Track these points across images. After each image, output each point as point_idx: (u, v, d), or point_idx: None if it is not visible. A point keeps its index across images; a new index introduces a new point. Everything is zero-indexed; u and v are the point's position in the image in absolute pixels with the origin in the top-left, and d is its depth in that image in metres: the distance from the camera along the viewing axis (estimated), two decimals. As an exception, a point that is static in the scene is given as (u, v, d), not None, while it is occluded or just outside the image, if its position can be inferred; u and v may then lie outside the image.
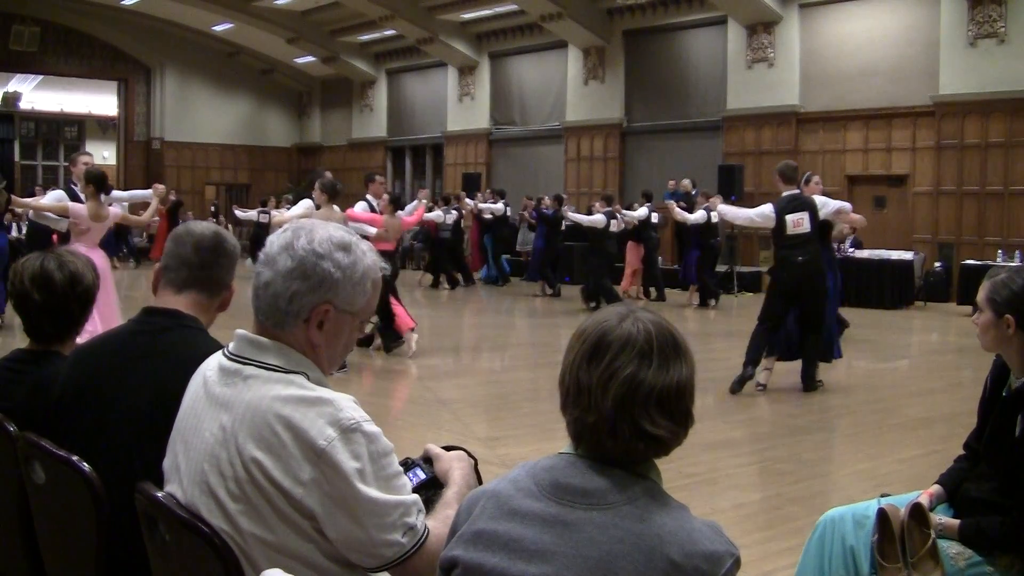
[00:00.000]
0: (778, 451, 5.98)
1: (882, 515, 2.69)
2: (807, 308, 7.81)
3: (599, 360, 1.50)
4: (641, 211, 15.40)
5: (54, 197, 8.17)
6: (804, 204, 7.86)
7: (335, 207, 8.66)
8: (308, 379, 1.75)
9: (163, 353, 2.15)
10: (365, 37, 26.06)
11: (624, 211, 15.17)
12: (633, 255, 15.59)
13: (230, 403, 1.73)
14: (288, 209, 11.18)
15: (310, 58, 27.31)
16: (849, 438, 6.54)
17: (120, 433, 2.09)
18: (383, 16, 23.11)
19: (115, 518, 1.95)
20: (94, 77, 28.53)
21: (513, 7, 21.27)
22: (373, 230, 9.08)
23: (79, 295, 2.51)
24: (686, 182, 17.88)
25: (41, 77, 29.64)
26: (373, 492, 1.67)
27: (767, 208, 7.97)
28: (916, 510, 2.66)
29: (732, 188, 17.24)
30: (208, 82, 28.56)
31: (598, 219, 14.13)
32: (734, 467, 5.58)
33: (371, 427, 1.71)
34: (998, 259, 13.81)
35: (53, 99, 31.70)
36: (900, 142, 16.68)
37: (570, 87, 21.82)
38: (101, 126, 33.54)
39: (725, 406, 7.39)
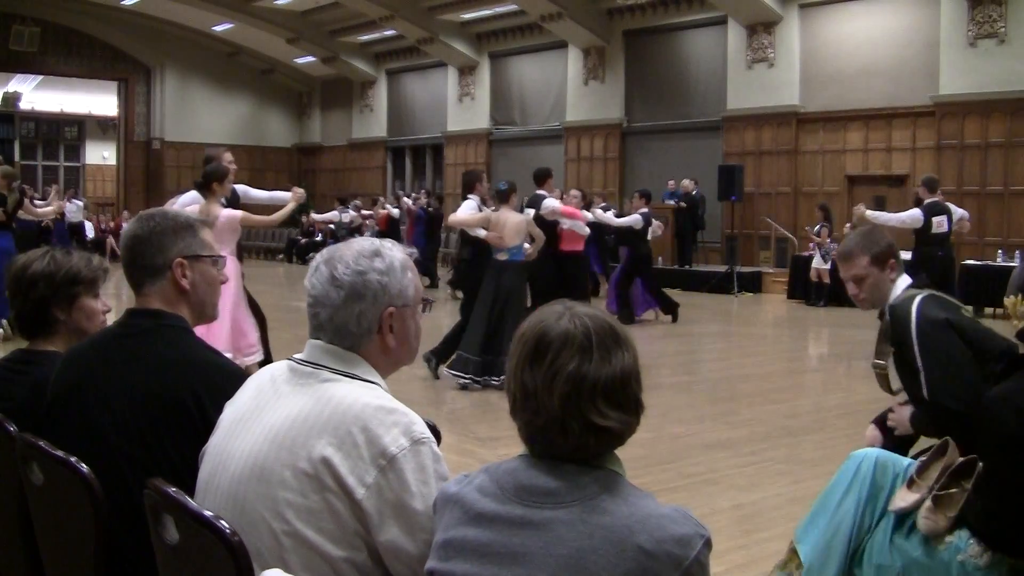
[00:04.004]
0: (778, 451, 5.97)
1: (945, 444, 2.81)
2: None
3: (541, 361, 1.52)
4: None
5: (187, 199, 7.16)
6: (943, 209, 9.76)
7: (510, 209, 8.07)
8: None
9: (146, 356, 2.14)
10: (365, 37, 26.07)
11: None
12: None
13: (304, 396, 1.78)
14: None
15: (310, 58, 27.31)
16: (849, 438, 6.51)
17: (107, 438, 2.08)
18: (383, 16, 23.11)
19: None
20: (94, 77, 28.55)
21: (513, 7, 21.27)
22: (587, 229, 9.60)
23: (60, 294, 2.50)
24: (686, 182, 17.89)
25: (41, 77, 29.69)
26: (431, 509, 1.69)
27: (916, 212, 9.77)
28: (969, 464, 2.73)
29: (732, 188, 17.23)
30: (208, 82, 28.57)
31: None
32: (734, 467, 5.57)
33: (437, 449, 1.76)
34: (998, 259, 13.80)
35: (53, 99, 31.75)
36: (900, 142, 16.67)
37: (570, 87, 21.82)
38: (101, 126, 33.60)
39: (725, 406, 7.39)
